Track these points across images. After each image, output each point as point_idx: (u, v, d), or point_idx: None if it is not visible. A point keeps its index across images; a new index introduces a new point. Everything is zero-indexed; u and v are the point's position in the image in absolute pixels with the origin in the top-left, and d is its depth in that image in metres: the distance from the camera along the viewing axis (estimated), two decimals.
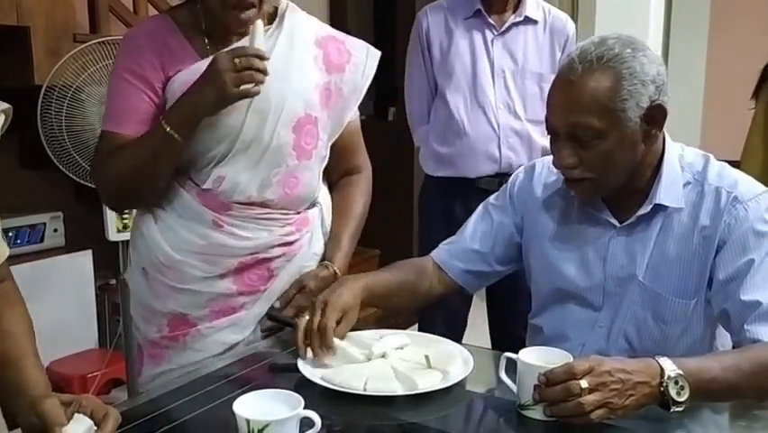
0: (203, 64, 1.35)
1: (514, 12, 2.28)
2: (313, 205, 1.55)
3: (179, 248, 1.43)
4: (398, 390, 1.16)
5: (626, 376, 1.04)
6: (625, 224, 1.34)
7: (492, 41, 2.26)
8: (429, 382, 1.18)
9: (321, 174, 1.55)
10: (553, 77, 2.33)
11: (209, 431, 1.13)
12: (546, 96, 2.36)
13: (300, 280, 1.49)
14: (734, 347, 1.29)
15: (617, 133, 1.23)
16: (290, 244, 1.49)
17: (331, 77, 1.49)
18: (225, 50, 1.32)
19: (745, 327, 1.21)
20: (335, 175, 1.63)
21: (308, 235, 1.52)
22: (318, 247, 1.55)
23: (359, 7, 4.57)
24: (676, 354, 1.18)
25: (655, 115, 1.25)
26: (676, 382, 1.05)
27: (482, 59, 2.26)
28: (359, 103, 1.57)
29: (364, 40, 1.59)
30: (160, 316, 1.48)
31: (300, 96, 1.43)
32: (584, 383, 1.02)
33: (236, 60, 1.28)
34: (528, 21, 2.29)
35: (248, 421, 0.96)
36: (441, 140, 2.32)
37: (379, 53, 1.58)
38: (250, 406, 0.99)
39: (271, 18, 1.46)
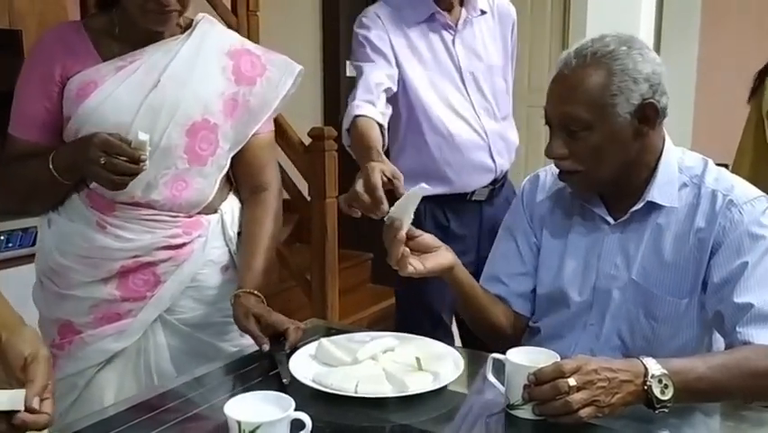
0: (103, 65, 1.39)
1: (461, 5, 2.05)
2: (213, 211, 1.52)
3: (66, 251, 1.43)
4: (389, 392, 1.17)
5: (611, 375, 1.06)
6: (619, 221, 1.36)
7: (453, 42, 2.03)
8: (419, 384, 1.18)
9: (218, 183, 1.50)
10: (509, 67, 2.20)
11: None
12: (510, 89, 2.22)
13: (246, 315, 1.38)
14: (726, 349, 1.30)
15: (606, 126, 1.26)
16: (178, 247, 1.45)
17: (239, 87, 1.48)
18: (102, 138, 1.29)
19: (737, 329, 1.22)
20: (245, 192, 1.59)
21: (201, 240, 1.48)
22: (216, 255, 1.51)
23: (351, 6, 4.57)
24: (667, 355, 1.19)
25: (648, 114, 1.27)
26: (660, 381, 1.07)
27: (447, 65, 2.03)
28: (269, 117, 1.54)
29: None
30: (51, 324, 1.47)
31: (199, 100, 1.43)
32: (572, 381, 1.04)
33: (102, 160, 1.27)
34: (480, 12, 2.09)
35: (239, 423, 0.97)
36: (426, 158, 2.05)
37: (299, 68, 1.55)
38: (241, 408, 1.00)
39: (186, 27, 1.48)
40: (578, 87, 1.26)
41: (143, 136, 1.28)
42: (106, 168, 1.27)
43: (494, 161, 2.08)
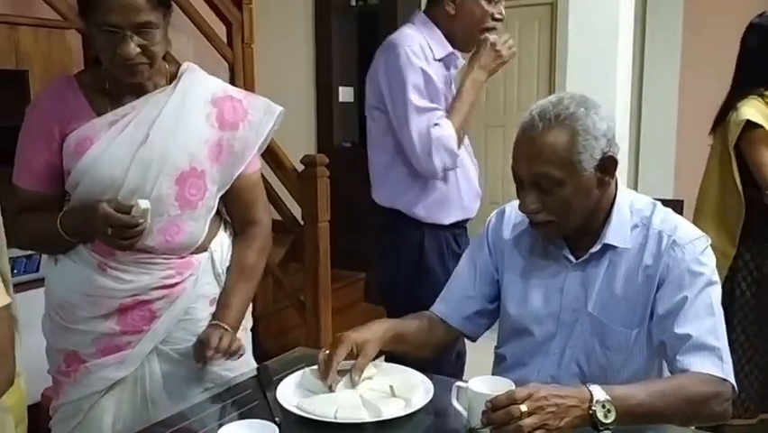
0: (97, 121, 1.51)
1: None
2: (203, 250, 1.62)
3: (71, 290, 1.56)
4: (366, 417, 1.30)
5: (560, 400, 1.18)
6: (579, 260, 1.49)
7: (452, 80, 2.21)
8: (393, 409, 1.31)
9: (208, 223, 1.62)
10: None
11: None
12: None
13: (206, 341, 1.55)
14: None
15: (575, 181, 1.39)
16: (171, 286, 1.57)
17: (223, 133, 1.59)
18: (103, 212, 1.41)
19: (677, 357, 1.35)
20: (236, 226, 1.71)
21: (192, 278, 1.60)
22: (207, 290, 1.63)
23: (343, 37, 4.70)
24: (620, 381, 1.32)
25: (607, 165, 1.42)
26: (603, 406, 1.19)
27: (449, 101, 2.17)
28: (253, 158, 1.65)
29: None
30: (57, 353, 1.61)
31: (186, 150, 1.53)
32: (524, 407, 1.15)
33: (108, 231, 1.42)
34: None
35: None
36: (450, 185, 2.17)
37: (280, 110, 1.65)
38: None
39: (172, 78, 1.59)
40: (546, 148, 1.38)
41: (145, 204, 1.41)
42: (114, 235, 1.42)
43: (482, 187, 2.31)
